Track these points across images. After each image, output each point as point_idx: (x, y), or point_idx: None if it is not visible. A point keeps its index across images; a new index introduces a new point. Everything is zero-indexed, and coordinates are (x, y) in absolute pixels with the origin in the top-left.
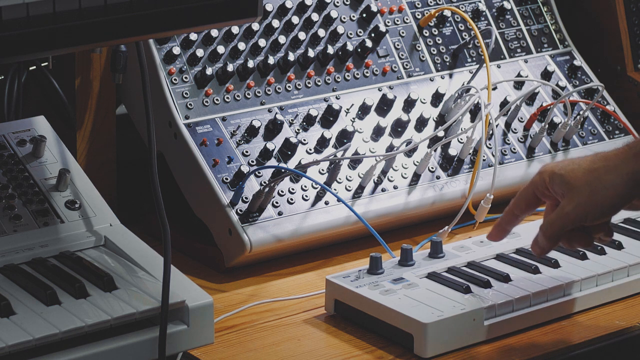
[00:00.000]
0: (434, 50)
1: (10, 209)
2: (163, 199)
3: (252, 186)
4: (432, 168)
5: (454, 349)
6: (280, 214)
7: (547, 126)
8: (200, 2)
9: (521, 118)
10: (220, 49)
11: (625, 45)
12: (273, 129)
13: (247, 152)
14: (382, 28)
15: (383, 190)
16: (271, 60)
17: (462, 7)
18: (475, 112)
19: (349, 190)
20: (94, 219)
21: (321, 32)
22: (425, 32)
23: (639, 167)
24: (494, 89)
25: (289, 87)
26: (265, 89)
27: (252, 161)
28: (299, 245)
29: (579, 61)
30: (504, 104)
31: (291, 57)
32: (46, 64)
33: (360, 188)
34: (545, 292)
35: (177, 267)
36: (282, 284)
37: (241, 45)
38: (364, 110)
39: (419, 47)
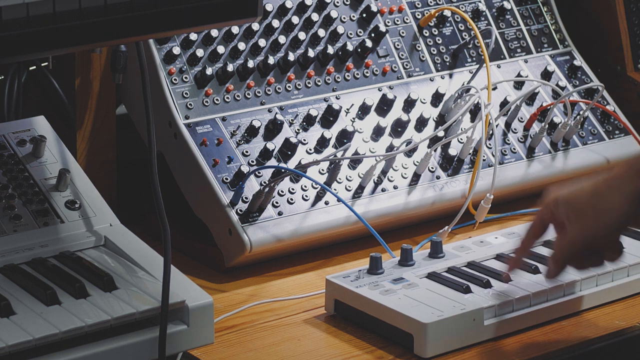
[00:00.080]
0: (434, 50)
1: (10, 209)
2: (163, 199)
3: (252, 186)
4: (432, 168)
5: (454, 349)
6: (280, 214)
7: (547, 126)
8: (200, 2)
9: (521, 118)
10: (220, 49)
11: (625, 45)
12: (273, 129)
13: (247, 152)
14: (382, 28)
15: (383, 190)
16: (271, 60)
17: (462, 7)
18: (475, 112)
19: (349, 190)
20: (94, 219)
21: (321, 32)
22: (425, 32)
23: None
24: (494, 89)
25: (289, 87)
26: (265, 89)
27: (252, 161)
28: (299, 245)
29: (579, 61)
30: (504, 104)
31: (291, 57)
32: (46, 64)
33: (360, 188)
34: (545, 292)
35: (177, 267)
36: (282, 284)
37: (241, 45)
38: (364, 110)
39: (419, 47)
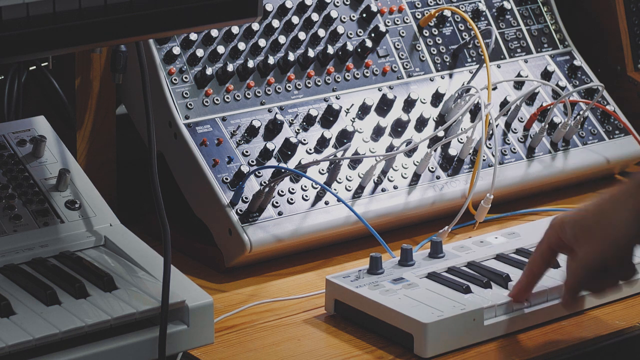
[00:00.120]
0: (434, 50)
1: (10, 209)
2: (163, 199)
3: (252, 186)
4: (432, 168)
5: (454, 349)
6: (280, 214)
7: (547, 126)
8: (200, 2)
9: (521, 118)
10: (220, 49)
11: (625, 45)
12: (273, 129)
13: (247, 152)
14: (382, 28)
15: (383, 190)
16: (271, 60)
17: (462, 7)
18: (475, 112)
19: (349, 190)
20: (94, 219)
21: (321, 32)
22: (425, 32)
23: None
24: (494, 89)
25: (289, 87)
26: (265, 89)
27: (252, 161)
28: (299, 245)
29: (579, 61)
30: (504, 104)
31: (291, 57)
32: (46, 64)
33: (360, 188)
34: (545, 292)
35: (177, 267)
36: (282, 284)
37: (241, 45)
38: (364, 110)
39: (419, 47)
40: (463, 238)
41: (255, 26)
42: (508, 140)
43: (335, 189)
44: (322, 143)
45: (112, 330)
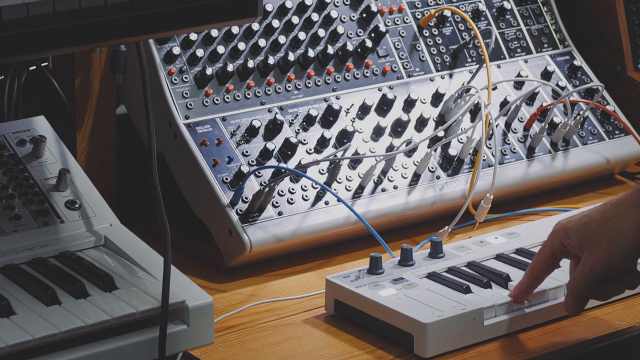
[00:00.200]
0: (434, 50)
1: (10, 209)
2: (163, 199)
3: (252, 186)
4: (432, 168)
5: (454, 349)
6: (280, 214)
7: (547, 126)
8: (200, 2)
9: (521, 118)
10: (220, 49)
11: (625, 45)
12: (273, 129)
13: (247, 152)
14: (382, 28)
15: (383, 190)
16: (271, 60)
17: (462, 7)
18: (475, 112)
19: (349, 190)
20: (94, 219)
21: (321, 32)
22: (425, 32)
23: None
24: (494, 89)
25: (289, 87)
26: (265, 89)
27: (252, 161)
28: (299, 245)
29: (579, 61)
30: (504, 104)
31: (291, 57)
32: (46, 64)
33: (360, 188)
34: (545, 292)
35: (177, 267)
36: (282, 284)
37: (241, 45)
38: (364, 110)
39: (419, 47)
40: (463, 238)
41: (255, 26)
42: (508, 140)
43: (335, 189)
44: (322, 143)
45: (112, 330)
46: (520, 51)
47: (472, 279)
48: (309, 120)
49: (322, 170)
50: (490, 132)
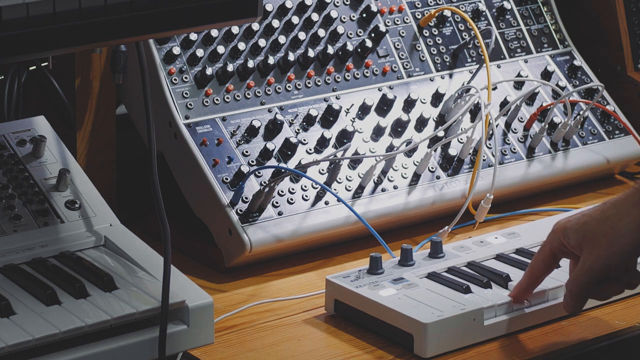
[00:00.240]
0: (434, 50)
1: (10, 209)
2: (163, 199)
3: (252, 186)
4: (432, 168)
5: (454, 349)
6: (280, 214)
7: (547, 126)
8: (200, 2)
9: (521, 118)
10: (220, 49)
11: (625, 45)
12: (273, 129)
13: (247, 152)
14: (382, 28)
15: (383, 190)
16: (271, 60)
17: (462, 7)
18: (475, 112)
19: (349, 190)
20: (94, 219)
21: (321, 32)
22: (425, 32)
23: None
24: (494, 89)
25: (289, 87)
26: (265, 89)
27: (252, 161)
28: (299, 245)
29: (579, 61)
30: (504, 104)
31: (291, 57)
32: (46, 64)
33: (360, 188)
34: (545, 292)
35: (177, 267)
36: (282, 284)
37: (241, 45)
38: (364, 110)
39: (419, 47)
40: (463, 238)
41: (255, 26)
42: (508, 140)
43: (335, 189)
44: (322, 143)
45: (112, 330)
46: (520, 51)
47: (472, 279)
48: (309, 120)
49: (322, 170)
50: (490, 132)
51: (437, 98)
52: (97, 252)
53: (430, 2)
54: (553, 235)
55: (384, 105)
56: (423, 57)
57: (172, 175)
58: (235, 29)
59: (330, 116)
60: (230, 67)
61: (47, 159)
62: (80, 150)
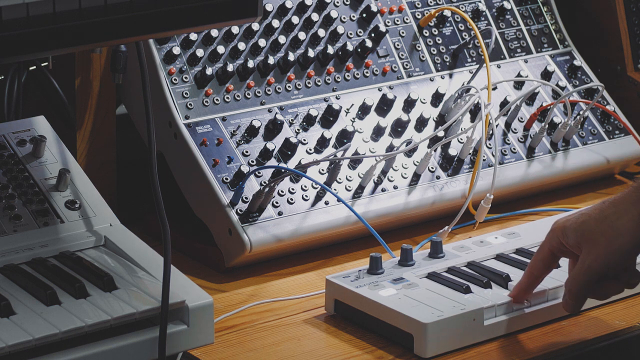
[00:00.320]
0: (434, 50)
1: (10, 209)
2: (163, 199)
3: (252, 186)
4: (432, 168)
5: (454, 349)
6: (280, 214)
7: (547, 126)
8: (200, 2)
9: (521, 118)
10: (220, 49)
11: (625, 45)
12: (273, 129)
13: (247, 152)
14: (382, 28)
15: (383, 190)
16: (271, 60)
17: (462, 7)
18: (475, 112)
19: (349, 190)
20: (94, 219)
21: (321, 32)
22: (425, 32)
23: None
24: (494, 89)
25: (289, 87)
26: (265, 89)
27: (252, 161)
28: (299, 245)
29: (579, 61)
30: (504, 104)
31: (291, 57)
32: (46, 64)
33: (360, 188)
34: (545, 292)
35: (177, 267)
36: (282, 284)
37: (241, 45)
38: (364, 110)
39: (419, 47)
40: (463, 238)
41: (255, 26)
42: (508, 140)
43: (335, 189)
44: (322, 143)
45: (112, 330)
46: (520, 51)
47: (472, 279)
48: (309, 120)
49: (322, 170)
50: (490, 132)
51: (437, 98)
52: (97, 252)
53: (430, 2)
54: (552, 234)
55: (384, 105)
56: (423, 57)
57: (172, 175)
58: (235, 29)
59: (330, 116)
60: (230, 67)
61: (47, 159)
62: (80, 150)
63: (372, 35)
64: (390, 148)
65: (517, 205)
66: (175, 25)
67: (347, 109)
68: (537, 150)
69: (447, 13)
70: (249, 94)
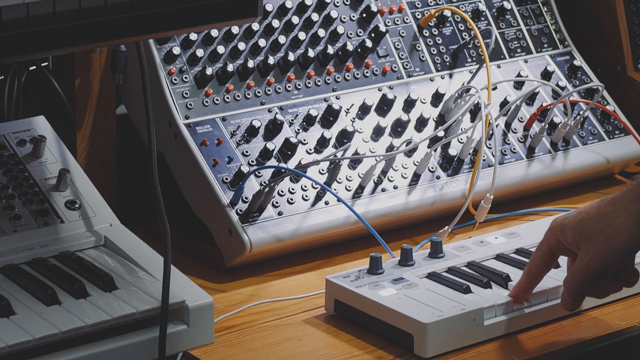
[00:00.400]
0: (434, 50)
1: (10, 209)
2: (163, 199)
3: (252, 186)
4: (432, 168)
5: (454, 349)
6: (280, 214)
7: (547, 126)
8: (200, 2)
9: (521, 118)
10: (220, 49)
11: (625, 45)
12: (273, 129)
13: (247, 152)
14: (382, 28)
15: (383, 190)
16: (271, 60)
17: (462, 7)
18: (475, 112)
19: (349, 190)
20: (94, 219)
21: (321, 32)
22: (425, 32)
23: None
24: (494, 89)
25: (289, 87)
26: (265, 89)
27: (252, 161)
28: (299, 245)
29: (579, 61)
30: (504, 104)
31: (291, 57)
32: (46, 64)
33: (360, 188)
34: (545, 292)
35: (177, 267)
36: (282, 284)
37: (241, 45)
38: (364, 110)
39: (419, 47)
40: (463, 238)
41: (255, 26)
42: (508, 140)
43: (335, 189)
44: (322, 143)
45: (112, 330)
46: (520, 51)
47: (472, 279)
48: (309, 120)
49: (322, 170)
50: (490, 132)
51: (437, 98)
52: (97, 252)
53: (430, 2)
54: (550, 232)
55: (384, 105)
56: (423, 57)
57: (172, 175)
58: (235, 29)
59: (330, 116)
60: (230, 67)
61: (47, 159)
62: (80, 150)
63: (372, 35)
64: (390, 148)
65: (517, 205)
66: (175, 25)
67: (347, 109)
68: (537, 150)
69: (447, 13)
70: (249, 94)
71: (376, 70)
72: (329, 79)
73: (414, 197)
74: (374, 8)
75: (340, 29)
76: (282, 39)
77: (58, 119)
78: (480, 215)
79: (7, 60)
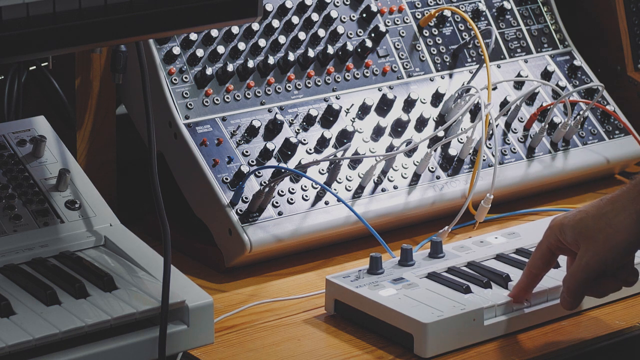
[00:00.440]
0: (434, 50)
1: (10, 209)
2: (163, 199)
3: (252, 186)
4: (432, 168)
5: (454, 349)
6: (280, 214)
7: (547, 126)
8: (200, 2)
9: (521, 118)
10: (220, 49)
11: (625, 45)
12: (273, 129)
13: (247, 152)
14: (382, 28)
15: (383, 190)
16: (271, 60)
17: (462, 7)
18: (475, 112)
19: (349, 190)
20: (94, 219)
21: (321, 32)
22: (425, 32)
23: None
24: (494, 89)
25: (289, 87)
26: (265, 89)
27: (252, 161)
28: (299, 245)
29: (579, 61)
30: (504, 104)
31: (291, 57)
32: (46, 64)
33: (360, 188)
34: (545, 292)
35: (177, 267)
36: (282, 284)
37: (241, 45)
38: (364, 110)
39: (419, 47)
40: (463, 238)
41: (255, 26)
42: (508, 140)
43: (335, 189)
44: (322, 143)
45: (112, 330)
46: (520, 51)
47: (472, 279)
48: (309, 120)
49: (322, 170)
50: (490, 132)
51: (437, 98)
52: (97, 252)
53: (430, 2)
54: (550, 232)
55: (384, 105)
56: (423, 57)
57: (172, 175)
58: (235, 29)
59: (330, 116)
60: (230, 67)
61: (47, 159)
62: (80, 150)
63: (372, 35)
64: (390, 148)
65: (517, 205)
66: (175, 25)
67: (347, 109)
68: (537, 150)
69: (447, 13)
70: (249, 94)
71: (376, 70)
72: (329, 79)
73: (414, 197)
74: (374, 8)
75: (340, 29)
76: (282, 39)
77: (58, 119)
78: (480, 215)
79: (7, 60)
